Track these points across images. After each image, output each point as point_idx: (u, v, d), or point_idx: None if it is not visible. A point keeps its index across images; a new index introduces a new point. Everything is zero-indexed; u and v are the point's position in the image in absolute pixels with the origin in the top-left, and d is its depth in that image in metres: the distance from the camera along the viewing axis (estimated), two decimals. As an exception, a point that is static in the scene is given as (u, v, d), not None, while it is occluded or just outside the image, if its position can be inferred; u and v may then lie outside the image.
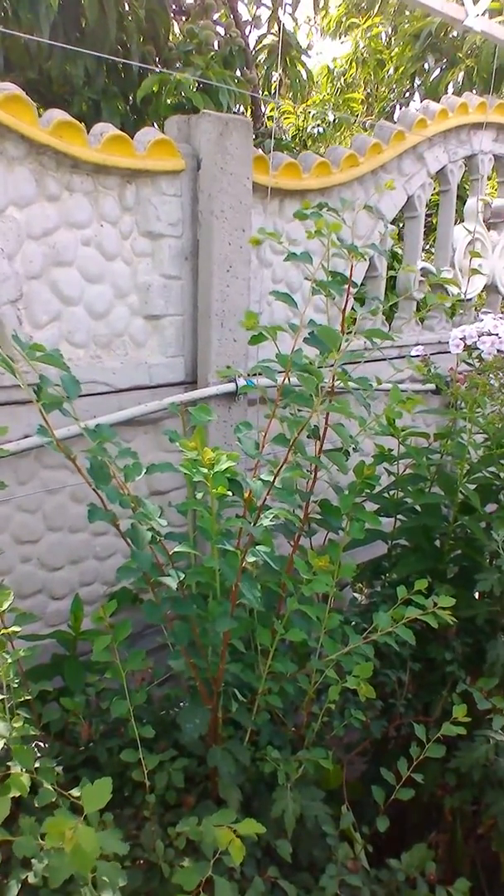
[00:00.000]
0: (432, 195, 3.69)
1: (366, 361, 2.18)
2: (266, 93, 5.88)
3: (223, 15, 5.47)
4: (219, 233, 2.55)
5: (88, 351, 2.43)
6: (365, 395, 1.89)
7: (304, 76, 5.90)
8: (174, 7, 4.85)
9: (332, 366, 1.82)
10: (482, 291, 4.12)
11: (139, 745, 1.73)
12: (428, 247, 5.91)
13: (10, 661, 1.62)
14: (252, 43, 5.84)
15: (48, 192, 2.22)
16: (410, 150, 3.38)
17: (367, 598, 2.67)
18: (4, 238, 2.12)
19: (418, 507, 2.55)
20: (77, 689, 2.05)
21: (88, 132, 2.30)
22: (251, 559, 1.62)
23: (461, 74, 6.89)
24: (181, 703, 2.05)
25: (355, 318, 2.16)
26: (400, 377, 3.09)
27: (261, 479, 1.65)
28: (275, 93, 5.87)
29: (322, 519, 2.15)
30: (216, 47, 4.74)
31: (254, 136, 2.67)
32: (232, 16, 5.50)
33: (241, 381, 2.64)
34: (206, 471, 1.48)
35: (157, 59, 4.61)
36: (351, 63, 8.53)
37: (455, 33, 6.78)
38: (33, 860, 1.42)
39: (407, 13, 7.42)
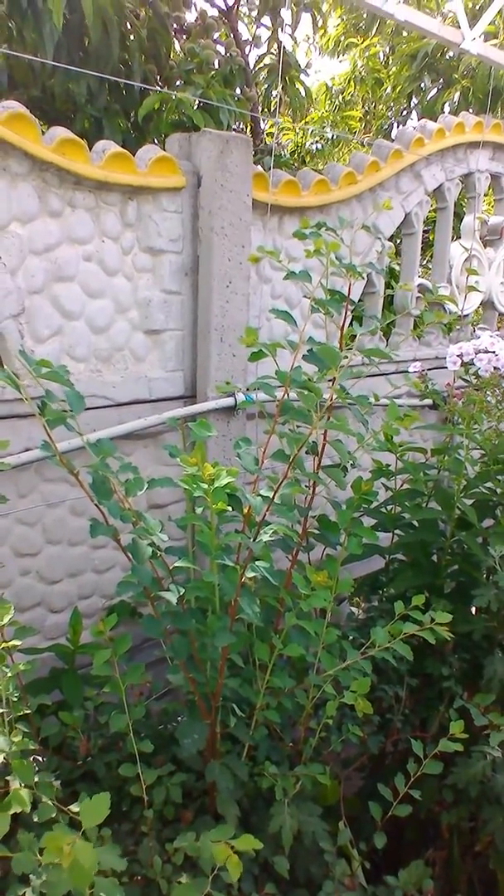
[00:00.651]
0: (429, 212, 3.74)
1: (363, 377, 2.20)
2: (265, 111, 5.94)
3: (223, 34, 5.53)
4: (219, 249, 2.58)
5: (89, 365, 2.45)
6: (363, 412, 1.90)
7: (303, 94, 5.97)
8: (175, 26, 4.91)
9: (331, 381, 1.84)
10: (479, 308, 4.16)
11: (138, 760, 1.73)
12: (425, 263, 5.96)
13: (9, 674, 1.62)
14: (252, 61, 5.91)
15: (51, 208, 2.25)
16: (408, 169, 3.42)
17: (365, 612, 2.68)
18: (7, 253, 2.15)
19: (415, 523, 2.56)
20: (76, 703, 2.05)
21: (90, 149, 2.33)
22: (250, 574, 1.63)
23: (457, 94, 6.98)
24: (179, 718, 2.05)
25: (353, 335, 2.18)
26: (397, 393, 3.11)
27: (260, 495, 1.66)
28: (274, 111, 5.93)
29: (320, 534, 2.16)
30: (217, 66, 4.80)
31: (253, 153, 2.70)
32: (232, 35, 5.57)
33: (241, 396, 2.66)
34: (206, 486, 1.49)
35: (159, 78, 4.66)
36: (349, 81, 8.63)
37: (451, 54, 6.88)
38: (31, 876, 1.42)
39: (404, 34, 7.52)
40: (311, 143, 8.08)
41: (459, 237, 3.97)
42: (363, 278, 3.01)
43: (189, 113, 4.15)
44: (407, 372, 2.85)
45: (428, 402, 3.33)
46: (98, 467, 1.53)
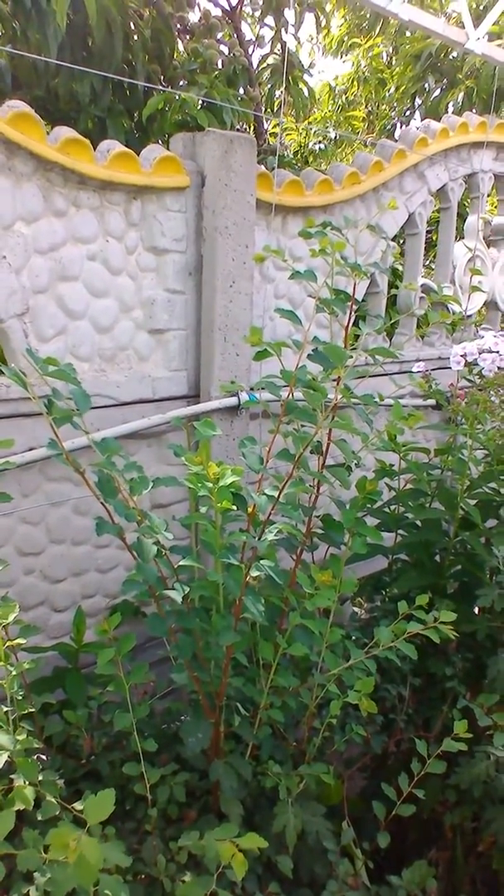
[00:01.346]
0: (433, 212, 3.74)
1: (368, 377, 2.21)
2: (268, 110, 5.95)
3: (227, 34, 5.54)
4: (222, 248, 2.58)
5: (93, 364, 2.45)
6: (367, 411, 1.91)
7: (306, 94, 5.98)
8: (179, 27, 4.92)
9: (335, 381, 1.84)
10: (482, 308, 4.16)
11: (141, 759, 1.73)
12: (428, 262, 5.96)
13: (14, 673, 1.62)
14: (255, 61, 5.91)
15: (55, 207, 2.25)
16: (412, 169, 3.42)
17: (367, 612, 2.68)
18: (12, 252, 2.15)
19: (419, 523, 2.57)
20: (79, 702, 2.05)
21: (95, 149, 2.33)
22: (255, 573, 1.63)
23: (461, 95, 6.98)
24: (182, 717, 2.06)
25: (357, 335, 2.18)
26: (401, 393, 3.12)
27: (266, 494, 1.66)
28: (278, 111, 5.94)
29: (324, 533, 2.16)
30: (220, 66, 4.81)
31: (256, 153, 2.70)
32: (235, 35, 5.57)
33: (244, 396, 2.66)
34: (211, 485, 1.49)
35: (162, 78, 4.67)
36: (352, 81, 8.64)
37: (455, 54, 6.88)
38: (35, 874, 1.42)
39: (408, 34, 7.52)
40: (314, 143, 8.09)
41: (463, 237, 3.97)
42: (368, 278, 3.01)
43: (193, 113, 4.16)
44: (410, 372, 2.85)
45: (431, 401, 3.34)
46: (104, 466, 1.53)
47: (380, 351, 1.88)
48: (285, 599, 1.89)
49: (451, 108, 7.11)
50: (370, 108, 8.97)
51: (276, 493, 1.68)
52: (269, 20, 5.76)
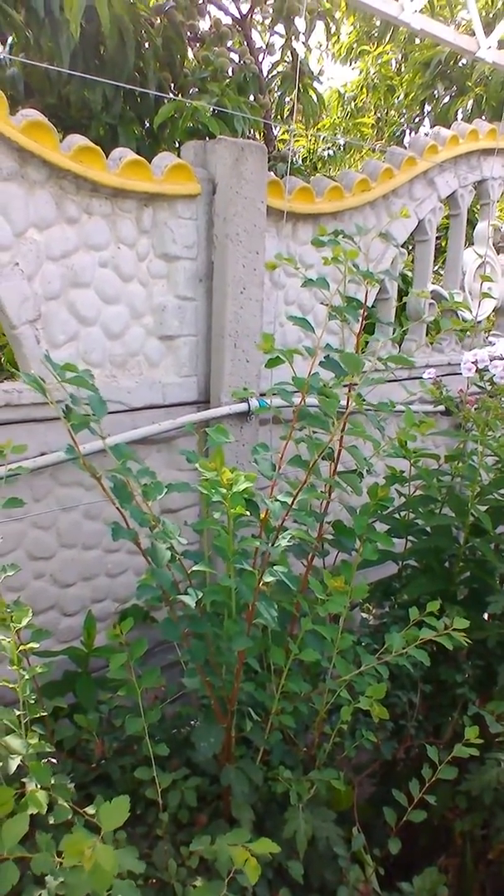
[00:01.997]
0: (443, 219, 3.75)
1: (380, 383, 2.21)
2: (278, 117, 5.97)
3: (237, 42, 5.57)
4: (233, 255, 2.59)
5: (104, 370, 2.46)
6: (380, 418, 1.91)
7: (316, 101, 6.00)
8: (190, 35, 4.95)
9: (346, 387, 1.84)
10: (492, 314, 4.16)
11: (153, 763, 1.74)
12: (437, 268, 5.96)
13: (27, 677, 1.63)
14: (265, 69, 5.94)
15: (68, 214, 2.27)
16: (421, 176, 3.43)
17: (377, 618, 2.68)
18: (25, 259, 2.17)
19: (429, 529, 2.57)
20: (89, 706, 2.06)
21: (107, 157, 2.35)
22: (268, 579, 1.63)
23: (470, 102, 6.99)
24: (193, 722, 2.06)
25: (367, 341, 2.19)
26: (411, 399, 3.12)
27: (279, 500, 1.67)
28: (287, 118, 5.96)
29: (335, 539, 2.16)
30: (231, 74, 4.83)
31: (267, 160, 2.72)
32: (246, 43, 5.60)
33: (254, 402, 2.67)
34: (224, 491, 1.50)
35: (173, 86, 4.70)
36: (361, 88, 8.67)
37: (464, 62, 6.89)
38: (47, 878, 1.42)
39: (417, 41, 7.54)
40: (324, 150, 8.11)
41: (472, 244, 3.97)
42: (378, 285, 3.02)
43: (204, 120, 4.18)
44: (419, 378, 2.85)
45: (440, 408, 3.34)
46: (120, 471, 1.55)
47: (396, 359, 1.89)
48: (296, 605, 1.90)
49: (460, 115, 7.12)
50: (379, 115, 9.00)
51: (289, 500, 1.69)
52: (280, 28, 5.79)
